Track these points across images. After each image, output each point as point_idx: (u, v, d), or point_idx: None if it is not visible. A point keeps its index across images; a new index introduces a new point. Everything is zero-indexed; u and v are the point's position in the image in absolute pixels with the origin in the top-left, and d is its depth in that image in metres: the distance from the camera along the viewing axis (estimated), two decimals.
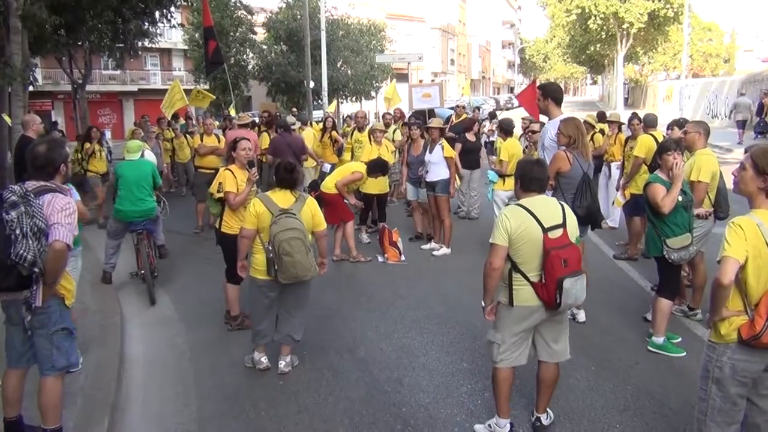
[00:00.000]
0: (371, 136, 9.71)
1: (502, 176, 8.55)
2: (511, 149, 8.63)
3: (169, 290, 7.51)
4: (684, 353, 5.24)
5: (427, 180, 8.75)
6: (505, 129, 8.96)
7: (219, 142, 10.65)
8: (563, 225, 3.85)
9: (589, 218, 5.61)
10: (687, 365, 4.99)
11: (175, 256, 8.69)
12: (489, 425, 4.14)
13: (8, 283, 3.51)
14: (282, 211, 4.78)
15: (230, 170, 5.98)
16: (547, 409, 4.24)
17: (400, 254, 8.51)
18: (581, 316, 6.01)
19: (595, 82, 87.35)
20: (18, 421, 3.94)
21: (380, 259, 8.52)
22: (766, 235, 2.99)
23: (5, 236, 3.40)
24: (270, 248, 4.74)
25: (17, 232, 3.41)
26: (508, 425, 4.07)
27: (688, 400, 4.25)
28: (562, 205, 3.99)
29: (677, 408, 4.42)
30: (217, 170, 7.04)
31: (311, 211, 4.98)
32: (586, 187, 5.59)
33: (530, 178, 3.94)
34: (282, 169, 4.97)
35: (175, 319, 6.58)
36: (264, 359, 5.19)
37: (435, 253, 8.69)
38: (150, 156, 8.29)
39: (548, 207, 3.91)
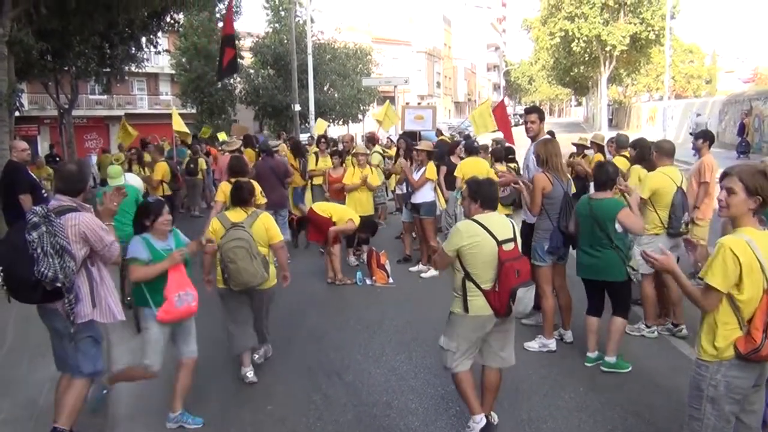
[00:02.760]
0: (354, 159, 9.77)
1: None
2: (465, 168, 8.62)
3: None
4: (630, 368, 5.35)
5: (412, 202, 8.92)
6: (467, 149, 9.39)
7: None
8: (514, 239, 4.18)
9: (575, 237, 5.68)
10: (674, 384, 5.00)
11: None
12: (468, 426, 4.28)
13: (36, 298, 3.88)
14: (232, 224, 5.21)
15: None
16: (492, 412, 4.42)
17: (388, 277, 8.52)
18: (568, 336, 6.05)
19: (579, 104, 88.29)
20: None
21: (368, 281, 8.52)
22: (757, 251, 3.01)
23: (29, 256, 3.72)
24: (220, 258, 5.19)
25: (39, 251, 3.74)
26: (484, 419, 4.25)
27: (676, 419, 4.26)
28: (511, 222, 4.30)
29: (665, 427, 4.43)
30: None
31: (264, 226, 5.35)
32: (569, 206, 5.75)
33: (483, 196, 4.24)
34: (233, 188, 5.52)
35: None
36: (250, 374, 5.38)
37: (423, 275, 8.71)
38: (133, 180, 8.27)
39: (501, 222, 4.22)
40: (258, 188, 6.82)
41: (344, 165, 10.28)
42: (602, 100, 47.44)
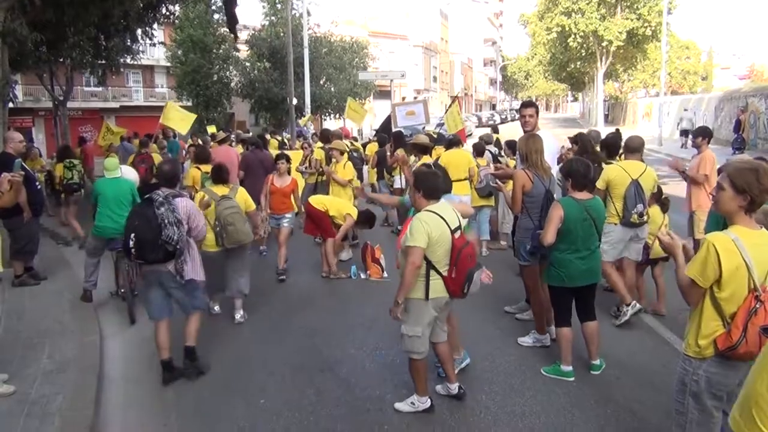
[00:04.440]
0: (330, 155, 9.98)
1: None
2: (446, 160, 8.90)
3: None
4: (573, 378, 5.17)
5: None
6: (450, 142, 9.84)
7: None
8: (460, 227, 4.48)
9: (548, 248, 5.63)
10: (667, 381, 4.98)
11: None
12: (412, 402, 4.66)
13: (157, 257, 5.05)
14: (222, 196, 6.56)
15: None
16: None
17: (383, 271, 8.51)
18: (552, 331, 6.05)
19: (575, 99, 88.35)
20: (170, 361, 5.33)
21: (363, 275, 8.51)
22: (742, 250, 3.02)
23: (157, 225, 4.97)
24: (218, 223, 6.42)
25: (165, 221, 5.00)
26: (429, 400, 4.65)
27: (669, 415, 4.25)
28: (454, 210, 4.57)
29: (657, 423, 4.44)
30: None
31: (243, 198, 6.79)
32: (550, 204, 5.57)
33: (433, 187, 4.47)
34: (214, 169, 6.92)
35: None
36: (216, 307, 7.01)
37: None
38: (129, 173, 8.28)
39: (450, 211, 4.49)
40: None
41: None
42: (598, 96, 47.53)
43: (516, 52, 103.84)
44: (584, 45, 43.95)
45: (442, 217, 4.34)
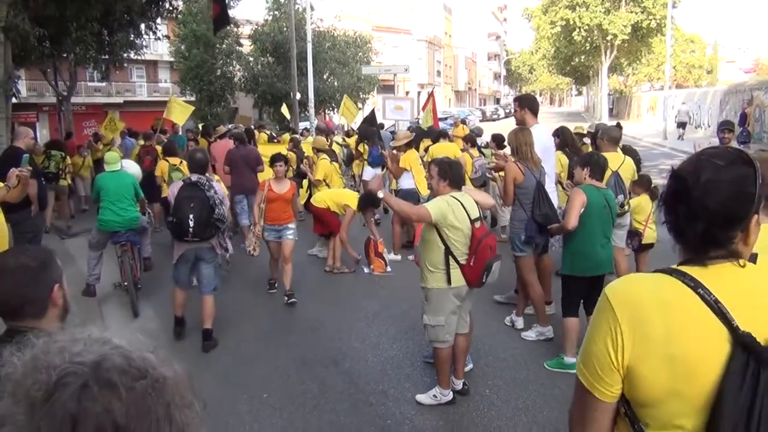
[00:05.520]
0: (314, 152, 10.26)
1: None
2: (435, 152, 9.62)
3: (153, 302, 7.43)
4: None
5: (395, 189, 9.63)
6: (438, 134, 10.54)
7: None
8: (480, 218, 4.54)
9: (548, 225, 5.73)
10: None
11: (159, 268, 8.60)
12: (434, 395, 4.67)
13: (208, 235, 5.79)
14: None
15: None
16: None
17: (386, 265, 8.50)
18: (519, 323, 6.18)
19: (580, 93, 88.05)
20: (183, 318, 6.26)
21: (366, 270, 8.50)
22: None
23: (209, 206, 5.68)
24: None
25: (216, 202, 5.73)
26: (451, 393, 4.67)
27: None
28: (475, 201, 4.63)
29: None
30: None
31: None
32: (541, 195, 5.79)
33: (453, 176, 4.53)
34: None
35: (159, 332, 6.51)
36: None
37: (410, 257, 8.81)
38: (131, 167, 8.31)
39: (470, 201, 4.53)
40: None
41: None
42: (603, 90, 47.29)
43: (520, 46, 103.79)
44: (588, 39, 43.69)
45: (463, 205, 4.41)
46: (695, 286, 1.45)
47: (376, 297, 7.40)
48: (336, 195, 8.59)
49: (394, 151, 9.55)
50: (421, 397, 4.72)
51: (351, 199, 8.50)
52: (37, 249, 2.28)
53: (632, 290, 1.54)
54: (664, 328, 1.44)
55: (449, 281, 4.41)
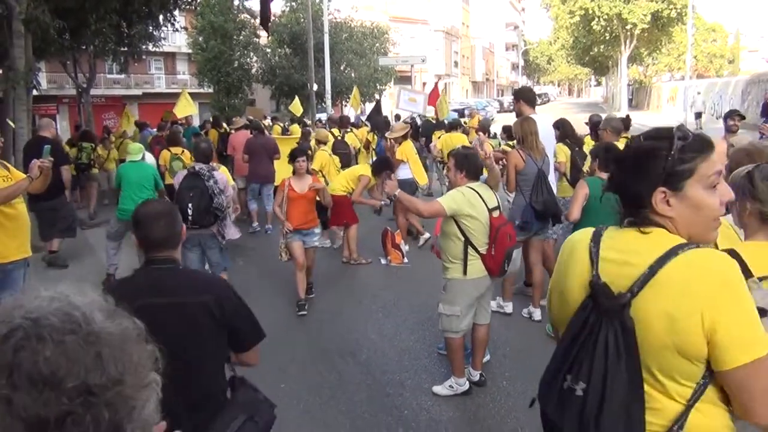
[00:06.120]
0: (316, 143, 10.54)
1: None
2: (444, 142, 10.96)
3: None
4: None
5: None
6: (450, 124, 11.41)
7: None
8: (498, 207, 4.58)
9: (547, 212, 5.89)
10: None
11: None
12: (450, 386, 4.69)
13: (207, 222, 5.95)
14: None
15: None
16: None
17: (403, 257, 8.50)
18: (537, 314, 6.21)
19: (599, 84, 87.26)
20: None
21: (383, 261, 8.51)
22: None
23: (208, 195, 5.88)
24: None
25: (216, 191, 5.93)
26: (467, 383, 4.70)
27: None
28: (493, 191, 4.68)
29: None
30: None
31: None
32: (541, 182, 5.90)
33: (470, 167, 4.55)
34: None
35: None
36: None
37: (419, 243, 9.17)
38: (150, 159, 8.54)
39: (488, 191, 4.57)
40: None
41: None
42: (622, 80, 46.86)
43: (538, 36, 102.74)
44: (608, 28, 43.25)
45: (480, 195, 4.44)
46: (594, 240, 1.83)
47: (393, 288, 7.41)
48: (349, 172, 8.59)
49: (390, 142, 9.59)
50: (438, 388, 4.74)
51: (364, 169, 8.53)
52: (164, 201, 3.62)
53: (569, 239, 1.98)
54: (564, 266, 1.93)
55: (465, 272, 4.44)
